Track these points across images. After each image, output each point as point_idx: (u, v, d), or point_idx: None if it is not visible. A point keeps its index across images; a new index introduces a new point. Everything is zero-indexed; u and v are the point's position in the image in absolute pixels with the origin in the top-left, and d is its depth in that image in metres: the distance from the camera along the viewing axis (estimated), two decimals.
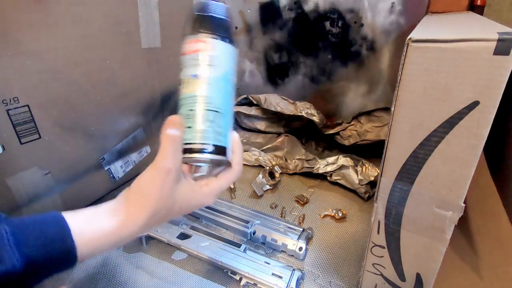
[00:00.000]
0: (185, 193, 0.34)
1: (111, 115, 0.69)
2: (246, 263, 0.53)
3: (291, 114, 0.88)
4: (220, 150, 0.35)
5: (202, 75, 0.35)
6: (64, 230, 0.28)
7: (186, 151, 0.34)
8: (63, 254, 0.27)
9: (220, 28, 0.36)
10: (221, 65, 0.36)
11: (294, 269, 0.52)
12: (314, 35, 0.88)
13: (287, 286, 0.49)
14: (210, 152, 0.35)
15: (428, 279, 0.39)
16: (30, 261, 0.26)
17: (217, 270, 0.54)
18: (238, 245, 0.56)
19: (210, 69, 0.35)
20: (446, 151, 0.32)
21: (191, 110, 0.34)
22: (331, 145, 0.91)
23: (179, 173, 0.33)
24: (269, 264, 0.53)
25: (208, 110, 0.35)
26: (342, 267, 0.54)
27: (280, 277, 0.50)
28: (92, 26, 0.59)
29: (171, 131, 0.32)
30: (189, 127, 0.34)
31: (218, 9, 0.36)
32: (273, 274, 0.51)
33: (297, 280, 0.50)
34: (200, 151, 0.34)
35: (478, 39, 0.28)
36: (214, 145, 0.35)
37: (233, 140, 0.37)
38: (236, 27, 0.97)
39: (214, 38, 0.35)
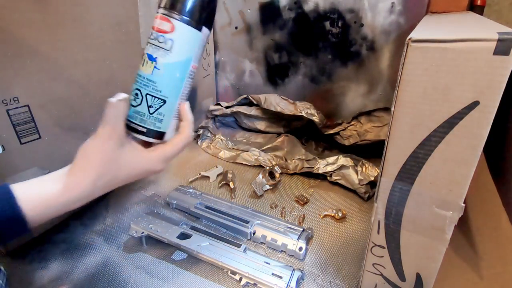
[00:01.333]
0: (131, 158, 0.35)
1: None
2: (246, 263, 0.53)
3: (291, 114, 0.88)
4: (156, 135, 0.37)
5: (159, 61, 0.34)
6: (10, 198, 0.30)
7: (127, 126, 0.35)
8: (12, 220, 0.30)
9: (195, 12, 0.34)
10: (182, 53, 0.35)
11: (294, 269, 0.52)
12: (314, 35, 0.88)
13: (287, 286, 0.49)
14: (146, 135, 0.36)
15: (428, 279, 0.39)
16: None
17: (217, 270, 0.54)
18: (238, 245, 0.56)
19: (169, 56, 0.34)
20: (446, 151, 0.32)
21: (139, 90, 0.35)
22: (331, 145, 0.91)
23: (121, 138, 0.34)
24: (269, 264, 0.53)
25: (154, 96, 0.35)
26: (342, 267, 0.54)
27: (280, 277, 0.50)
28: (92, 26, 0.59)
29: (113, 99, 0.34)
30: (133, 105, 0.35)
31: None
32: (273, 274, 0.51)
33: (297, 280, 0.50)
34: (137, 131, 0.36)
35: (478, 39, 0.28)
36: (151, 129, 0.36)
37: (183, 108, 0.39)
38: (236, 27, 0.97)
39: (184, 23, 0.34)
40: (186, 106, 0.39)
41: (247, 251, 0.56)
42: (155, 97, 0.35)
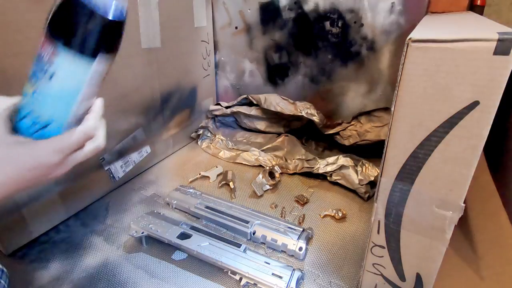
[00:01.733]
0: (16, 150, 0.29)
1: (111, 115, 0.69)
2: (246, 263, 0.53)
3: (291, 114, 0.88)
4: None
5: (39, 86, 0.30)
6: None
7: None
8: None
9: (86, 38, 0.28)
10: (64, 84, 0.30)
11: (294, 269, 0.52)
12: (314, 35, 0.88)
13: (287, 286, 0.49)
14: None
15: (428, 279, 0.39)
16: None
17: (217, 270, 0.54)
18: (238, 245, 0.56)
19: (48, 84, 0.29)
20: (446, 151, 0.32)
21: (21, 108, 0.31)
22: (331, 145, 0.91)
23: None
24: (269, 264, 0.53)
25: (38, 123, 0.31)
26: (342, 267, 0.54)
27: (280, 277, 0.50)
28: None
29: None
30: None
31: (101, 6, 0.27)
32: (273, 274, 0.51)
33: (297, 280, 0.50)
34: None
35: (478, 39, 0.28)
36: None
37: (93, 109, 0.34)
38: (236, 27, 0.97)
39: (69, 52, 0.28)
40: (98, 104, 0.35)
41: (247, 251, 0.56)
42: (39, 119, 0.31)
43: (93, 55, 0.30)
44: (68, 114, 0.32)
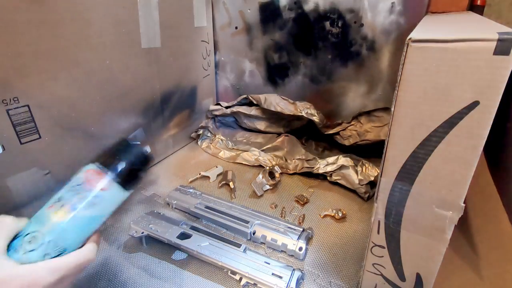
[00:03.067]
0: (10, 267, 0.28)
1: (111, 115, 0.69)
2: (246, 263, 0.53)
3: (291, 114, 0.88)
4: None
5: (79, 211, 0.33)
6: None
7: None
8: None
9: (127, 176, 0.35)
10: (105, 209, 0.35)
11: (294, 269, 0.52)
12: (314, 35, 0.88)
13: (287, 286, 0.49)
14: None
15: (428, 279, 0.39)
16: None
17: (217, 270, 0.54)
18: (238, 245, 0.56)
19: (93, 209, 0.34)
20: (446, 151, 0.32)
21: (40, 233, 0.32)
22: (331, 145, 0.91)
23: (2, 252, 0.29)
24: (269, 264, 0.53)
25: (57, 245, 0.32)
26: (342, 267, 0.54)
27: (280, 277, 0.50)
28: (92, 26, 0.59)
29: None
30: (26, 249, 0.31)
31: (135, 154, 0.37)
32: (273, 274, 0.51)
33: (297, 280, 0.50)
34: None
35: (478, 39, 0.28)
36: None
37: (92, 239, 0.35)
38: (236, 27, 0.97)
39: (114, 185, 0.35)
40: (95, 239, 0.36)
41: (247, 251, 0.56)
42: (58, 246, 0.32)
43: (129, 187, 0.36)
44: (82, 241, 0.34)
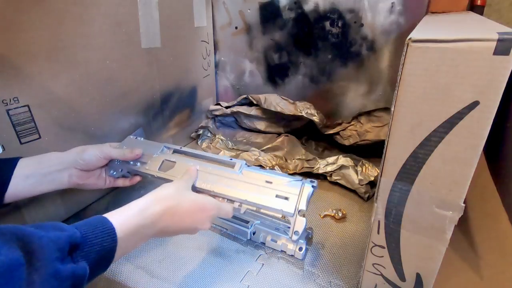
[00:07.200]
0: (191, 196, 0.45)
1: (111, 115, 0.69)
2: (243, 187, 0.46)
3: (291, 114, 0.88)
4: None
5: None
6: (112, 233, 0.34)
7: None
8: (110, 254, 0.33)
9: None
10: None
11: (303, 182, 0.42)
12: (314, 35, 0.88)
13: (295, 209, 0.41)
14: None
15: (428, 279, 0.39)
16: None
17: (218, 270, 0.54)
18: (232, 165, 0.49)
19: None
20: (446, 151, 0.32)
21: None
22: (331, 145, 0.91)
23: (188, 186, 0.47)
24: (271, 183, 0.44)
25: None
26: (342, 267, 0.54)
27: (286, 198, 0.42)
28: (92, 26, 0.59)
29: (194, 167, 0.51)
30: None
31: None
32: (277, 196, 0.43)
33: (308, 198, 0.41)
34: None
35: (478, 39, 0.28)
36: None
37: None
38: (236, 27, 0.97)
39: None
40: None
41: (243, 171, 0.48)
42: None
43: None
44: None
